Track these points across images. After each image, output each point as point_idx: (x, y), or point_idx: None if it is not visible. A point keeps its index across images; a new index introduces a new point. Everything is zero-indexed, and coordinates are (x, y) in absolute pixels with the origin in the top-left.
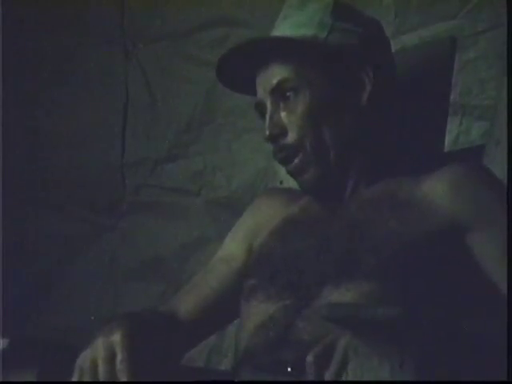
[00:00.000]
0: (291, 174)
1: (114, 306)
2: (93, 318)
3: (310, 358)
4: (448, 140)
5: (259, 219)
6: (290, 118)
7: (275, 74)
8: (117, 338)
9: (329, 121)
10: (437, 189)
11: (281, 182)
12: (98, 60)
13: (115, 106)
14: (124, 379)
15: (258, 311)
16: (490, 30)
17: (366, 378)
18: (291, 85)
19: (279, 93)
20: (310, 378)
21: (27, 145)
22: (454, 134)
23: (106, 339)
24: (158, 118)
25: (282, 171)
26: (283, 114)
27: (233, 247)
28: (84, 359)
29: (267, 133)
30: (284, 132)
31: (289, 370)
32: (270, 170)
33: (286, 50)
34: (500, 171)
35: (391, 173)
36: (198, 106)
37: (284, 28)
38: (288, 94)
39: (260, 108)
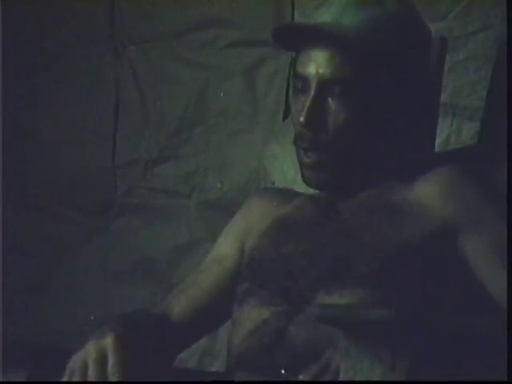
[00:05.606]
0: (307, 166)
1: (105, 308)
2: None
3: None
4: (439, 141)
5: (251, 219)
6: (331, 118)
7: (335, 63)
8: (108, 340)
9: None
10: (428, 191)
11: (273, 183)
12: (87, 61)
13: (105, 107)
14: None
15: (250, 316)
16: (480, 31)
17: (358, 379)
18: (346, 84)
19: (330, 85)
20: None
21: (18, 147)
22: (445, 134)
23: (98, 342)
24: (149, 120)
25: (274, 172)
26: (326, 109)
27: (225, 248)
28: (75, 361)
29: (303, 117)
30: (320, 126)
31: (282, 372)
32: (261, 171)
33: (353, 48)
34: (491, 171)
35: (384, 175)
36: (189, 107)
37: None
38: (338, 90)
39: (298, 79)
